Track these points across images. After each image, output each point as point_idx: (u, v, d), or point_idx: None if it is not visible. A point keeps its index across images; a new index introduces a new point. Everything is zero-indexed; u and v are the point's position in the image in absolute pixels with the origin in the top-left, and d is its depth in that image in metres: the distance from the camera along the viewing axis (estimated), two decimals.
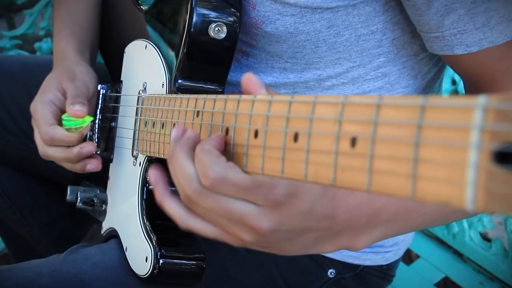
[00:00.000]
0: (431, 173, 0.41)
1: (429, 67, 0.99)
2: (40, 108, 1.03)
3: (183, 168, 0.66)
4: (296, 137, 0.56)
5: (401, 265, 1.37)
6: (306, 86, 0.98)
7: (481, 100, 0.38)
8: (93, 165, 1.05)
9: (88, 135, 1.13)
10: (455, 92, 1.54)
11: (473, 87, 0.92)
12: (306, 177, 0.55)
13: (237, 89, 1.03)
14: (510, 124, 0.36)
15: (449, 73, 1.51)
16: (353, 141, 0.49)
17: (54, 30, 1.21)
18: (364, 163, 0.48)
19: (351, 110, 0.50)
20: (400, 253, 1.18)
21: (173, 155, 0.68)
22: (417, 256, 1.49)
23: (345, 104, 0.50)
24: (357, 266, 1.12)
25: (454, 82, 1.52)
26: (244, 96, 0.67)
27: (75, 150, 1.02)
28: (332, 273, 1.11)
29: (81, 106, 1.01)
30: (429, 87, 1.02)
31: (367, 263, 1.13)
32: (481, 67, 0.85)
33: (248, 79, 0.66)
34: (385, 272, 1.16)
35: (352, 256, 1.11)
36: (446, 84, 1.50)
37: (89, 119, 1.02)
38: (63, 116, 1.02)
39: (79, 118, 1.01)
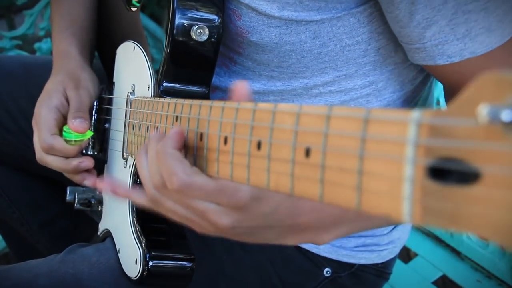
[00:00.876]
0: (374, 186, 0.41)
1: (416, 72, 0.98)
2: (44, 114, 1.05)
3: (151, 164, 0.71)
4: (259, 145, 0.56)
5: (399, 263, 1.37)
6: (294, 93, 0.98)
7: (415, 115, 0.38)
8: (90, 182, 1.07)
9: None
10: None
11: (452, 92, 0.91)
12: (268, 186, 0.55)
13: (227, 95, 1.03)
14: (443, 139, 0.36)
15: None
16: (307, 152, 0.49)
17: (53, 28, 1.21)
18: (316, 173, 0.48)
19: (305, 121, 0.50)
20: (396, 251, 1.17)
21: (149, 142, 0.73)
22: (415, 254, 1.48)
23: (300, 114, 0.50)
24: (353, 265, 1.12)
25: None
26: (215, 102, 0.67)
27: (74, 163, 1.04)
28: (328, 272, 1.11)
29: (81, 121, 1.03)
30: (418, 90, 1.02)
31: (363, 261, 1.12)
32: (461, 76, 0.85)
33: (242, 87, 0.66)
34: (381, 270, 1.16)
35: (347, 255, 1.11)
36: None
37: (89, 133, 1.03)
38: (64, 128, 1.03)
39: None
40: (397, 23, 0.83)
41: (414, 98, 1.02)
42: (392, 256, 1.17)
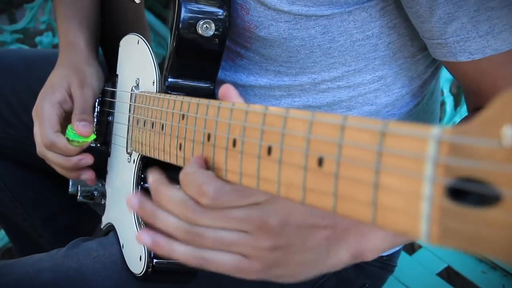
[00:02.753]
0: (390, 202, 0.41)
1: (425, 67, 0.97)
2: (47, 109, 1.04)
3: (173, 198, 0.65)
4: (269, 151, 0.56)
5: (404, 255, 1.36)
6: (301, 89, 0.97)
7: (435, 131, 0.37)
8: (87, 176, 1.08)
9: None
10: (456, 81, 1.51)
11: (473, 94, 0.90)
12: (278, 192, 0.54)
13: None
14: (463, 159, 0.35)
15: None
16: (320, 161, 0.48)
17: (58, 17, 1.20)
18: (330, 184, 0.47)
19: (318, 129, 0.49)
20: None
21: (157, 194, 0.67)
22: (419, 246, 1.48)
23: (313, 122, 0.49)
24: None
25: None
26: (224, 103, 0.66)
27: (74, 160, 1.04)
28: None
29: (86, 124, 1.02)
30: (426, 85, 1.00)
31: None
32: (483, 74, 0.83)
33: (228, 89, 0.66)
34: (386, 262, 1.16)
35: None
36: (447, 74, 1.47)
37: (92, 137, 1.03)
38: (69, 127, 1.03)
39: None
40: (418, 18, 0.82)
41: (421, 93, 1.01)
42: (397, 248, 1.16)
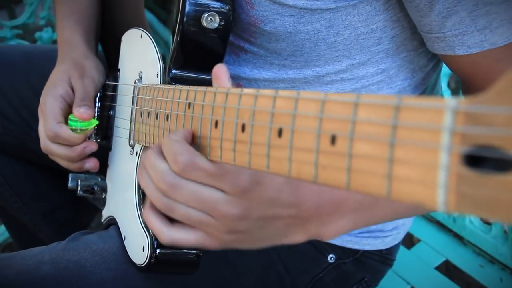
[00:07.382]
0: (406, 174, 0.41)
1: (427, 59, 0.99)
2: (50, 103, 1.05)
3: (155, 166, 0.70)
4: (280, 133, 0.56)
5: (402, 249, 1.38)
6: (305, 81, 0.98)
7: (451, 102, 0.38)
8: (92, 164, 1.09)
9: None
10: (454, 76, 1.53)
11: (468, 85, 0.92)
12: (289, 173, 0.55)
13: (235, 82, 1.03)
14: (479, 127, 0.36)
15: None
16: (333, 139, 0.49)
17: (57, 16, 1.21)
18: (343, 161, 0.48)
19: (331, 108, 0.50)
20: (399, 237, 1.18)
21: (145, 156, 0.73)
22: (418, 240, 1.49)
23: (325, 101, 0.50)
24: (357, 251, 1.13)
25: None
26: (232, 89, 0.67)
27: (78, 148, 1.06)
28: (332, 258, 1.12)
29: (86, 109, 1.04)
30: (428, 77, 1.02)
31: (367, 247, 1.13)
32: (478, 67, 0.85)
33: (220, 68, 0.71)
34: (385, 256, 1.17)
35: (351, 241, 1.11)
36: (446, 68, 1.48)
37: (94, 122, 1.05)
38: (70, 116, 1.05)
39: (85, 121, 1.03)
40: (417, 13, 0.83)
41: (423, 85, 1.02)
42: (396, 242, 1.18)
